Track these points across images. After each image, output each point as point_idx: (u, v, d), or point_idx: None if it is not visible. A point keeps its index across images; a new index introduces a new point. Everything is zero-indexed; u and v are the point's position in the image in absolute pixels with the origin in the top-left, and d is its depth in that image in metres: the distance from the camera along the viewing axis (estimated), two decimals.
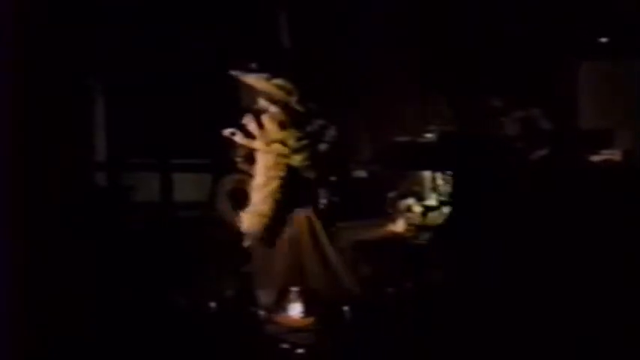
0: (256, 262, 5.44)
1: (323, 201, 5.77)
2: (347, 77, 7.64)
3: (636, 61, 7.54)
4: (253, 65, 5.48)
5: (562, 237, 5.75)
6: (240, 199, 5.87)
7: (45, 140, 5.41)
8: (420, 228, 7.12)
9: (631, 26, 7.48)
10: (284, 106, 5.33)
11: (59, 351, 4.64)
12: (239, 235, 5.51)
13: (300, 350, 4.81)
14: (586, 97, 7.79)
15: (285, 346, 4.85)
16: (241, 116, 5.41)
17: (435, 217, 7.35)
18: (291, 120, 5.34)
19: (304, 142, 5.36)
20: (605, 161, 7.10)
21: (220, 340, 4.87)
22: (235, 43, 7.24)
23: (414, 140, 7.75)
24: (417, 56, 7.85)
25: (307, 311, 5.20)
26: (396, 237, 6.93)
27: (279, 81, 5.36)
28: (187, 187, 7.86)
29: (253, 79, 5.35)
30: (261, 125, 5.31)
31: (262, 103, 5.35)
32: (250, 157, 5.43)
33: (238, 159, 5.47)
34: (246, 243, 5.47)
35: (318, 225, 5.52)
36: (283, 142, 5.32)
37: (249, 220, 5.35)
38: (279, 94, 5.34)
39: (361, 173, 7.75)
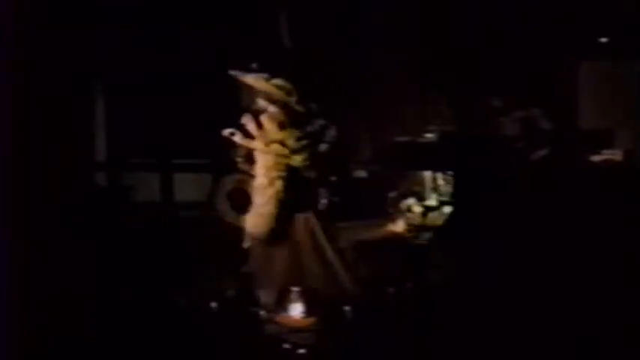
0: (255, 262, 5.44)
1: (323, 201, 5.76)
2: (347, 77, 7.65)
3: (636, 61, 7.54)
4: (254, 65, 5.47)
5: (562, 237, 5.75)
6: (241, 200, 5.86)
7: (45, 140, 5.41)
8: (420, 228, 7.12)
9: (631, 26, 7.48)
10: (283, 106, 5.32)
11: (59, 351, 4.64)
12: (239, 235, 5.51)
13: (301, 350, 4.81)
14: (586, 97, 7.79)
15: (286, 346, 4.85)
16: (241, 116, 5.40)
17: (435, 218, 7.35)
18: (290, 120, 5.33)
19: (304, 142, 5.36)
20: (605, 161, 7.11)
21: (221, 340, 4.87)
22: (235, 43, 7.24)
23: (415, 140, 7.75)
24: (417, 56, 7.86)
25: (308, 311, 5.19)
26: (396, 237, 6.92)
27: (278, 81, 5.35)
28: (187, 187, 7.86)
29: (252, 79, 5.34)
30: (260, 125, 5.31)
31: (261, 103, 5.34)
32: (251, 157, 5.42)
33: (238, 159, 5.46)
34: (246, 243, 5.47)
35: (317, 225, 5.51)
36: (282, 143, 5.30)
37: (255, 221, 5.35)
38: (279, 94, 5.33)
39: (361, 173, 7.75)
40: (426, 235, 6.88)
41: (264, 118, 5.35)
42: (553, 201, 6.05)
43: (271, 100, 5.32)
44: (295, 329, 5.11)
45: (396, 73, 7.86)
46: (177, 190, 7.90)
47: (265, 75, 5.36)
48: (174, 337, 4.80)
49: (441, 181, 7.71)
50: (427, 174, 7.80)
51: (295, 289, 5.25)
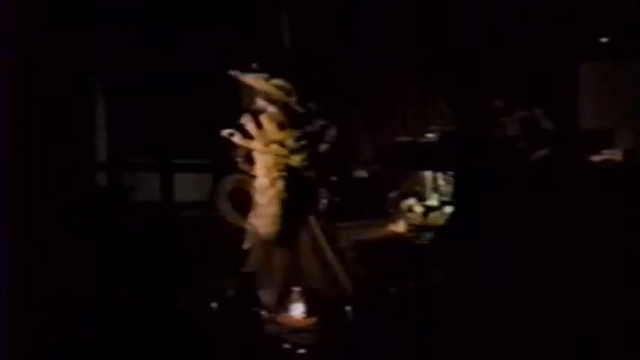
0: (255, 262, 5.44)
1: (324, 201, 5.76)
2: (347, 77, 7.65)
3: (636, 61, 7.54)
4: (254, 65, 5.47)
5: (562, 236, 5.75)
6: (242, 200, 5.86)
7: (45, 140, 5.41)
8: (421, 228, 7.12)
9: (631, 26, 7.48)
10: (283, 106, 5.32)
11: (59, 351, 4.64)
12: (239, 235, 5.51)
13: (301, 350, 4.81)
14: (586, 97, 7.80)
15: (286, 346, 4.85)
16: (241, 116, 5.40)
17: (436, 218, 7.35)
18: (290, 120, 5.33)
19: (303, 142, 5.35)
20: (605, 161, 7.11)
21: (221, 340, 4.87)
22: (235, 43, 7.24)
23: (415, 140, 7.76)
24: (417, 56, 7.86)
25: (309, 311, 5.19)
26: (397, 237, 6.93)
27: (278, 81, 5.35)
28: (187, 187, 7.86)
29: (252, 79, 5.34)
30: (259, 125, 5.31)
31: (261, 103, 5.34)
32: (251, 158, 5.43)
33: (239, 159, 5.46)
34: (247, 244, 5.47)
35: (317, 226, 5.51)
36: (281, 143, 5.30)
37: (262, 223, 5.34)
38: (279, 94, 5.33)
39: (362, 173, 7.76)
40: (427, 235, 6.89)
41: (263, 119, 5.35)
42: (553, 201, 6.05)
43: (271, 100, 5.32)
44: (296, 329, 5.11)
45: (396, 74, 7.86)
46: (177, 190, 7.90)
47: (265, 75, 5.36)
48: (174, 337, 4.80)
49: (441, 181, 7.72)
50: (428, 174, 7.81)
51: (296, 289, 5.25)
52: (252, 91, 5.36)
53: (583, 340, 4.63)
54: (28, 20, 5.02)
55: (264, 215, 5.36)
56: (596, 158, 7.13)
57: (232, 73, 5.30)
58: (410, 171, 7.86)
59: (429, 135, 7.81)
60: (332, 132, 6.11)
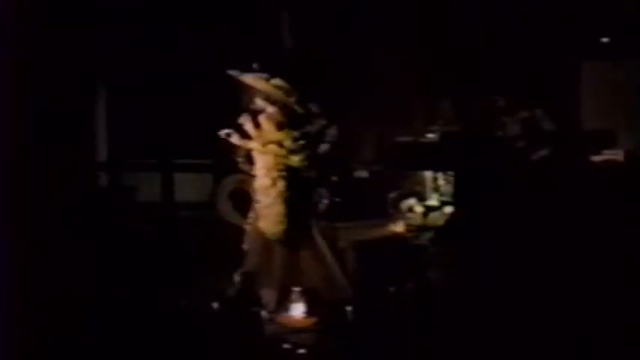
0: (255, 262, 5.43)
1: (324, 201, 5.76)
2: (347, 77, 7.65)
3: (636, 61, 7.55)
4: (255, 65, 5.47)
5: (562, 236, 5.75)
6: (242, 200, 5.86)
7: (45, 140, 5.41)
8: (421, 228, 7.13)
9: (631, 26, 7.49)
10: (282, 106, 5.31)
11: (59, 351, 4.63)
12: (239, 235, 5.51)
13: (301, 350, 4.81)
14: (586, 97, 7.81)
15: (286, 346, 4.85)
16: (241, 116, 5.40)
17: (436, 218, 7.36)
18: (289, 120, 5.32)
19: (301, 142, 5.34)
20: (605, 161, 7.11)
21: (221, 340, 4.87)
22: (235, 43, 7.25)
23: (416, 140, 7.77)
24: (418, 57, 7.87)
25: (309, 312, 5.19)
26: (397, 237, 6.92)
27: (277, 81, 5.34)
28: (188, 187, 7.87)
29: (251, 79, 5.33)
30: (258, 125, 5.30)
31: (260, 103, 5.33)
32: (251, 158, 5.42)
33: (239, 159, 5.46)
34: (246, 244, 5.47)
35: (316, 225, 5.51)
36: (280, 143, 5.29)
37: (267, 223, 5.33)
38: (278, 95, 5.32)
39: (363, 173, 7.77)
40: (427, 235, 6.89)
41: (262, 119, 5.34)
42: (553, 201, 6.05)
43: (270, 100, 5.31)
44: (296, 329, 5.10)
45: (397, 74, 7.87)
46: (177, 190, 7.91)
47: (264, 75, 5.35)
48: (174, 337, 4.79)
49: (441, 181, 7.73)
50: (428, 174, 7.82)
51: (296, 289, 5.24)
52: (251, 91, 5.35)
53: (583, 339, 4.63)
54: (28, 20, 5.02)
55: (267, 215, 5.35)
56: (596, 158, 7.13)
57: (231, 73, 5.29)
58: (410, 171, 7.87)
59: (430, 135, 7.82)
60: (332, 132, 6.11)
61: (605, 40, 7.73)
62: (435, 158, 7.63)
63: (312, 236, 5.42)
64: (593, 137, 7.46)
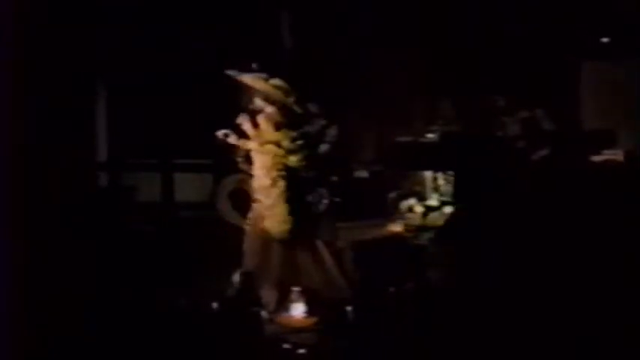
0: (254, 262, 5.43)
1: (324, 201, 5.76)
2: (347, 77, 7.66)
3: (636, 61, 7.56)
4: (254, 65, 5.47)
5: (562, 236, 5.75)
6: (242, 200, 5.86)
7: (45, 140, 5.41)
8: (420, 228, 7.13)
9: (631, 26, 7.50)
10: (281, 106, 5.31)
11: (59, 351, 4.63)
12: (239, 235, 5.51)
13: (301, 350, 4.81)
14: (586, 97, 7.81)
15: (286, 346, 4.85)
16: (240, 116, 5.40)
17: (436, 218, 7.36)
18: (287, 120, 5.31)
19: (300, 142, 5.34)
20: (605, 161, 7.12)
21: (221, 340, 4.86)
22: (235, 43, 7.25)
23: (416, 140, 7.77)
24: (418, 57, 7.87)
25: (309, 312, 5.19)
26: (397, 237, 6.93)
27: (276, 81, 5.34)
28: (188, 187, 7.87)
29: (250, 79, 5.32)
30: (256, 125, 5.30)
31: (258, 103, 5.33)
32: (250, 158, 5.42)
33: (239, 159, 5.46)
34: (246, 244, 5.47)
35: (316, 225, 5.51)
36: (278, 144, 5.29)
37: (270, 222, 5.33)
38: (277, 95, 5.31)
39: (363, 173, 7.77)
40: (427, 235, 6.89)
41: (260, 119, 5.34)
42: (553, 201, 6.05)
43: (269, 101, 5.31)
44: (296, 329, 5.10)
45: (397, 74, 7.87)
46: (177, 190, 7.91)
47: (263, 75, 5.35)
48: (174, 337, 4.79)
49: (441, 181, 7.73)
50: (428, 174, 7.82)
51: (296, 289, 5.24)
52: (250, 91, 5.35)
53: (583, 339, 4.63)
54: (28, 20, 5.02)
55: (270, 215, 5.35)
56: (596, 158, 7.14)
57: (230, 72, 5.29)
58: (410, 171, 7.87)
59: (430, 135, 7.82)
60: (332, 132, 6.11)
61: (605, 40, 7.74)
62: (435, 158, 7.64)
63: (313, 236, 5.42)
64: (593, 137, 7.46)
